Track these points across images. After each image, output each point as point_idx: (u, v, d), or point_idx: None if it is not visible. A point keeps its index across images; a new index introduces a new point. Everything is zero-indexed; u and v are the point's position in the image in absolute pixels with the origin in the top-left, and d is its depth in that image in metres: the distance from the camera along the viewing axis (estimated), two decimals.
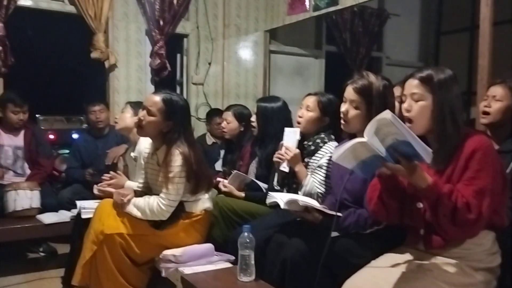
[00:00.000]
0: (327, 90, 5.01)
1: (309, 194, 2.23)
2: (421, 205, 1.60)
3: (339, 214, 1.86)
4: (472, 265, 1.59)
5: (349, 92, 1.93)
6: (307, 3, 4.20)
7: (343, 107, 1.95)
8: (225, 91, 4.92)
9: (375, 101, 1.87)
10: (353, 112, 1.92)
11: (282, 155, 2.34)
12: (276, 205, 2.00)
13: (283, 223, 2.17)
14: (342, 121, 1.97)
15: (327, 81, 5.53)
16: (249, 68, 5.00)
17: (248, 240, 1.91)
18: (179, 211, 2.37)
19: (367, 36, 5.55)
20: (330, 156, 2.23)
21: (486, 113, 2.18)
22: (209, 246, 2.36)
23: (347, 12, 5.24)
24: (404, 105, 1.64)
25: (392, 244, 1.80)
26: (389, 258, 1.73)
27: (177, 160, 2.26)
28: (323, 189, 2.24)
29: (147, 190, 2.52)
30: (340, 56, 5.54)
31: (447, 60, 6.04)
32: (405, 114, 1.62)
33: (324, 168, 2.27)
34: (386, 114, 1.37)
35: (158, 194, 2.34)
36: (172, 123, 2.33)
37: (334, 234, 1.88)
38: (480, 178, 1.50)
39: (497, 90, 2.16)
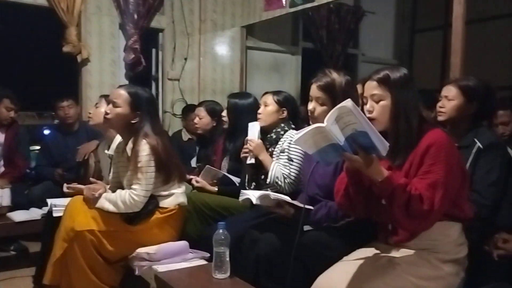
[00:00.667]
0: (304, 86, 5.03)
1: (275, 178, 2.34)
2: (384, 201, 1.62)
3: (310, 207, 1.88)
4: (439, 257, 1.63)
5: (314, 90, 2.00)
6: None
7: (310, 105, 2.01)
8: (201, 86, 4.88)
9: (339, 97, 1.90)
10: (319, 109, 1.98)
11: (247, 148, 2.47)
12: (249, 203, 2.01)
13: (257, 219, 2.18)
14: (310, 119, 2.01)
15: (303, 78, 5.55)
16: (225, 64, 4.97)
17: (223, 237, 1.90)
18: (153, 206, 2.35)
19: (343, 33, 5.59)
20: (291, 140, 2.35)
21: (441, 112, 2.23)
22: (183, 243, 2.34)
23: (323, 9, 5.27)
24: (366, 107, 1.68)
25: (363, 236, 1.83)
26: (360, 253, 1.75)
27: (144, 149, 2.26)
28: (287, 171, 2.36)
29: (118, 189, 2.48)
30: (316, 53, 5.57)
31: (421, 57, 6.14)
32: (368, 115, 1.65)
33: (286, 150, 2.41)
34: (347, 102, 1.39)
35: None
36: (139, 113, 2.35)
37: (306, 227, 1.90)
38: (433, 171, 1.54)
39: (449, 90, 2.21)
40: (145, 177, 2.27)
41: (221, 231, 1.91)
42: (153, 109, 2.48)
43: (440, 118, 2.27)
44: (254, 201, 1.93)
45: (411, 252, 1.66)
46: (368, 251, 1.74)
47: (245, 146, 2.51)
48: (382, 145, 1.42)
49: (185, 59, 4.80)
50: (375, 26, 6.03)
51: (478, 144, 2.10)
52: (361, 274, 1.60)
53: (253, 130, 2.51)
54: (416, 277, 1.58)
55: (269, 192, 1.93)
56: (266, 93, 2.64)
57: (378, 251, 1.73)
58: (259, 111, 2.58)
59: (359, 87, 2.07)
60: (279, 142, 2.47)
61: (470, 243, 1.70)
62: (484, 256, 1.87)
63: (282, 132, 2.50)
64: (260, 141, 2.48)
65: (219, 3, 4.88)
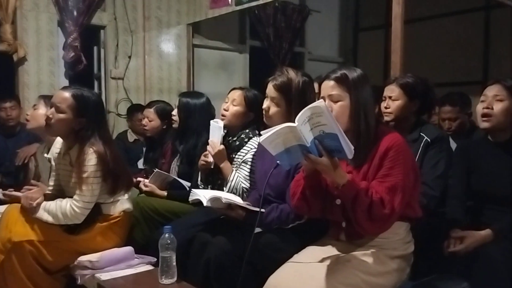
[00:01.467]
0: (252, 84, 5.04)
1: (234, 190, 2.22)
2: (339, 201, 1.64)
3: (262, 210, 1.86)
4: (388, 254, 1.66)
5: (270, 89, 1.96)
6: None
7: (265, 104, 1.98)
8: (147, 85, 4.75)
9: (295, 98, 1.90)
10: (274, 109, 1.95)
11: (208, 152, 2.32)
12: (199, 203, 1.96)
13: (206, 222, 2.14)
14: (264, 118, 1.99)
15: (251, 76, 5.55)
16: (172, 62, 4.87)
17: (169, 241, 1.84)
18: (96, 214, 2.24)
19: (289, 31, 5.64)
20: (255, 151, 2.24)
21: (387, 113, 2.30)
22: (128, 249, 2.25)
23: (270, 7, 5.29)
24: None
25: (314, 237, 1.83)
26: (311, 252, 1.75)
27: (91, 159, 2.13)
28: (248, 184, 2.25)
29: (58, 193, 2.35)
30: (264, 51, 5.59)
31: (365, 56, 6.31)
32: None
33: (249, 163, 2.27)
34: (319, 102, 1.39)
35: (71, 197, 2.18)
36: (85, 120, 2.19)
37: (257, 230, 1.88)
38: (393, 175, 1.57)
39: (392, 91, 2.28)
40: (89, 188, 2.14)
41: (167, 235, 1.85)
42: (101, 114, 2.32)
43: (387, 119, 2.33)
44: (205, 203, 1.88)
45: (361, 249, 1.68)
46: (318, 249, 1.75)
47: (205, 152, 2.34)
48: (349, 149, 1.43)
49: (129, 57, 4.65)
50: (320, 24, 6.13)
51: (426, 138, 2.19)
52: (312, 272, 1.61)
53: (217, 132, 2.33)
54: (366, 274, 1.60)
55: (220, 195, 1.88)
56: (234, 88, 2.47)
57: (328, 248, 1.74)
58: (224, 107, 2.40)
59: (315, 86, 2.07)
60: (242, 150, 2.32)
61: (416, 240, 1.75)
62: (433, 250, 1.93)
63: (246, 139, 2.34)
64: (222, 147, 2.30)
65: (163, 0, 4.76)
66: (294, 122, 1.43)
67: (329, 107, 1.64)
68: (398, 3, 2.80)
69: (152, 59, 4.78)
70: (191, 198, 2.00)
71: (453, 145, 3.03)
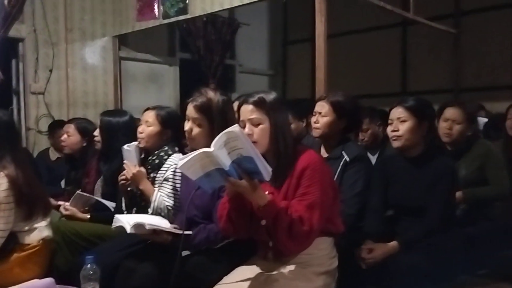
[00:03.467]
0: (183, 97, 4.98)
1: (159, 210, 2.19)
2: (264, 222, 1.66)
3: (189, 232, 1.83)
4: (314, 270, 1.70)
5: (190, 110, 1.96)
6: (156, 10, 4.10)
7: (187, 126, 1.97)
8: (70, 100, 4.53)
9: (216, 117, 1.91)
10: (196, 130, 1.95)
11: (124, 175, 2.27)
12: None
13: (133, 245, 2.06)
14: (187, 140, 1.98)
15: (182, 89, 5.50)
16: (97, 75, 4.70)
17: (91, 272, 1.75)
18: (12, 244, 2.08)
19: (220, 44, 5.65)
20: (175, 167, 2.22)
21: (316, 128, 2.37)
22: (49, 280, 2.10)
23: (199, 20, 5.27)
24: (245, 130, 1.68)
25: (244, 255, 1.84)
26: (240, 272, 1.75)
27: (2, 183, 1.99)
28: (172, 202, 2.22)
29: None
30: (195, 64, 5.55)
31: (294, 68, 6.48)
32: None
33: (171, 180, 2.25)
34: (234, 127, 1.42)
35: None
36: None
37: (185, 253, 1.85)
38: (310, 193, 1.62)
39: (322, 107, 2.36)
40: (1, 216, 1.99)
41: (89, 265, 1.76)
42: (13, 134, 2.17)
43: (315, 134, 2.40)
44: (128, 230, 1.82)
45: (288, 267, 1.71)
46: (247, 269, 1.76)
47: (122, 174, 2.30)
48: (266, 170, 1.47)
49: (50, 70, 4.41)
50: (250, 37, 6.21)
51: (346, 157, 2.26)
52: None
53: (130, 154, 2.29)
54: None
55: (144, 221, 1.83)
56: (148, 109, 2.44)
57: (257, 268, 1.75)
58: (139, 130, 2.37)
59: (235, 105, 2.09)
60: (162, 168, 2.28)
61: (340, 255, 1.81)
62: (354, 264, 2.00)
63: (165, 157, 2.30)
64: (138, 169, 2.25)
65: (87, 11, 4.59)
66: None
67: (250, 130, 1.68)
68: (321, 21, 2.91)
69: (76, 72, 4.58)
70: (114, 225, 1.93)
71: (370, 158, 3.19)
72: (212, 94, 1.95)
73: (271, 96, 1.72)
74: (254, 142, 1.65)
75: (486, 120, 3.78)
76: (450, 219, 2.07)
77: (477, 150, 2.51)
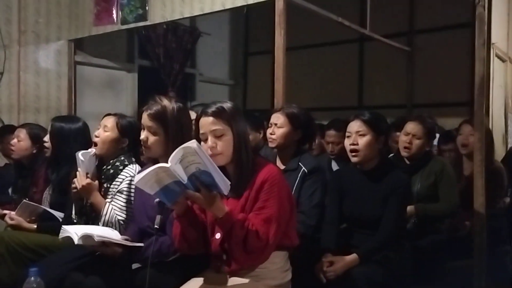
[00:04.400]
0: (141, 105, 4.86)
1: (110, 224, 2.11)
2: (218, 235, 1.65)
3: (140, 244, 1.79)
4: (267, 283, 1.70)
5: (145, 119, 1.93)
6: (114, 15, 4.02)
7: (143, 135, 1.93)
8: (21, 104, 4.34)
9: (171, 125, 1.89)
10: (152, 139, 1.91)
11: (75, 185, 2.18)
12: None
13: (81, 257, 1.99)
14: (143, 149, 1.94)
15: (141, 96, 5.39)
16: (51, 79, 4.52)
17: (35, 285, 1.66)
18: None
19: (180, 52, 5.60)
20: (131, 180, 2.16)
21: (272, 139, 2.39)
22: None
23: (159, 27, 5.21)
24: (208, 143, 1.65)
25: (195, 268, 1.81)
26: (192, 286, 1.72)
27: None
28: (124, 215, 2.14)
29: None
30: (154, 71, 5.47)
31: (254, 79, 6.52)
32: (210, 151, 1.63)
33: (125, 192, 2.17)
34: (192, 143, 1.41)
35: None
36: None
37: (136, 265, 1.80)
38: (268, 207, 1.62)
39: (278, 118, 2.39)
40: None
41: (32, 278, 1.67)
42: None
43: (271, 145, 2.42)
44: (76, 241, 1.76)
45: (241, 280, 1.69)
46: (200, 282, 1.73)
47: (73, 184, 2.19)
48: (224, 184, 1.47)
49: (1, 73, 4.22)
50: (211, 47, 6.20)
51: (303, 168, 2.29)
52: None
53: (84, 162, 2.18)
54: None
55: (93, 232, 1.77)
56: (108, 114, 2.37)
57: (210, 281, 1.72)
58: (96, 134, 2.28)
59: (191, 114, 2.07)
60: (117, 179, 2.20)
61: (294, 268, 1.81)
62: (310, 277, 2.01)
63: (121, 167, 2.22)
64: (89, 181, 2.15)
65: (42, 13, 4.43)
66: (174, 149, 1.44)
67: (214, 143, 1.64)
68: (280, 34, 2.94)
69: (28, 75, 4.40)
70: (61, 235, 1.86)
71: (335, 167, 3.24)
72: (166, 102, 1.92)
73: (229, 105, 1.70)
74: (219, 154, 1.64)
75: (438, 135, 3.93)
76: (401, 232, 2.13)
77: (433, 167, 2.59)
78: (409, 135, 2.60)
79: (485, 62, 2.34)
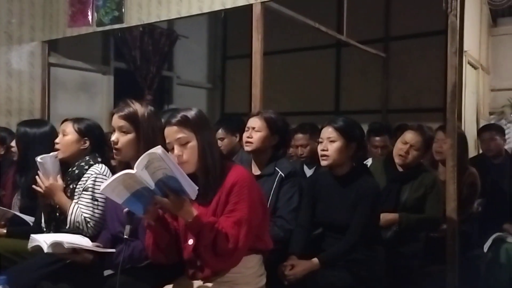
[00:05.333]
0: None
1: (77, 223, 2.09)
2: (191, 241, 1.63)
3: (111, 250, 1.76)
4: None
5: (116, 120, 1.91)
6: (90, 17, 3.96)
7: (113, 137, 1.91)
8: None
9: (143, 126, 1.88)
10: (123, 139, 1.89)
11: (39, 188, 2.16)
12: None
13: (50, 265, 1.94)
14: (114, 151, 1.91)
15: (116, 99, 5.31)
16: (23, 81, 4.42)
17: None
18: None
19: (157, 55, 5.55)
20: (96, 177, 2.15)
21: (248, 142, 2.39)
22: None
23: (136, 29, 5.15)
24: (175, 152, 1.66)
25: (169, 274, 1.79)
26: None
27: None
28: (90, 212, 2.12)
29: None
30: (131, 73, 5.40)
31: (232, 83, 6.50)
32: (177, 160, 1.63)
33: (90, 189, 2.15)
34: (157, 149, 1.41)
35: None
36: None
37: (107, 272, 1.77)
38: (238, 210, 1.62)
39: (255, 122, 2.39)
40: None
41: (1, 286, 1.63)
42: None
43: (247, 149, 2.42)
44: (45, 249, 1.71)
45: (215, 285, 1.68)
46: None
47: (37, 187, 2.18)
48: (192, 189, 1.47)
49: None
50: (189, 50, 6.16)
51: (280, 172, 2.30)
52: None
53: (44, 166, 2.18)
54: None
55: (62, 240, 1.73)
56: (65, 120, 2.38)
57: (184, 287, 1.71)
58: (57, 140, 2.30)
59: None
60: (82, 179, 2.20)
61: (268, 272, 1.81)
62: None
63: (86, 167, 2.22)
64: (51, 182, 2.16)
65: (15, 14, 4.32)
66: (146, 150, 1.44)
67: (180, 151, 1.65)
68: (258, 39, 2.95)
69: (0, 77, 4.29)
70: (30, 245, 1.82)
71: (306, 171, 3.26)
72: (138, 105, 1.92)
73: (193, 113, 1.70)
74: (185, 163, 1.64)
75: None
76: (373, 237, 2.14)
77: (424, 180, 2.57)
78: (406, 145, 2.57)
79: (457, 70, 2.38)
